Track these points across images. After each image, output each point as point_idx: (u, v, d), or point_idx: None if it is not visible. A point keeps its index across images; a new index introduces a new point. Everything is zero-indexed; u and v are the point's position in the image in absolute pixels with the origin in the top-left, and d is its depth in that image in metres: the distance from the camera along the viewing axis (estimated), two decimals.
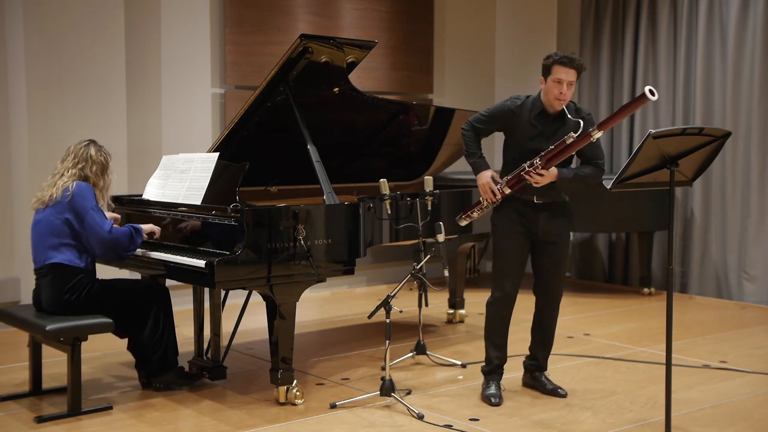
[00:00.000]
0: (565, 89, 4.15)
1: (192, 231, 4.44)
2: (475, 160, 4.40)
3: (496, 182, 4.32)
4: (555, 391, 4.50)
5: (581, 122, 4.13)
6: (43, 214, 4.32)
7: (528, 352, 4.61)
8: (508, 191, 4.29)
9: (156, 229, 4.50)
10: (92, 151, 4.39)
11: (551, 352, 4.59)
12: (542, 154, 4.18)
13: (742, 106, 6.95)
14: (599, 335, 5.86)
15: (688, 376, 4.87)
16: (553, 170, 4.20)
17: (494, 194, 4.30)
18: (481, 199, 4.40)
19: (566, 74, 4.13)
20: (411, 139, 5.73)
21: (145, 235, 4.46)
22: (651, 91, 3.78)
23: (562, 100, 4.18)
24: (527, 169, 4.20)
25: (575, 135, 4.11)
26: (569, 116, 4.20)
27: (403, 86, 7.83)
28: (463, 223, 4.55)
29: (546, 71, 4.20)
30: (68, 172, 4.33)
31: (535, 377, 4.58)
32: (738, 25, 6.93)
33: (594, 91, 8.02)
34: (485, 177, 4.33)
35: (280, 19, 7.06)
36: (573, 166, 4.39)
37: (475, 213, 4.47)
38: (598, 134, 4.08)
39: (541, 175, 4.18)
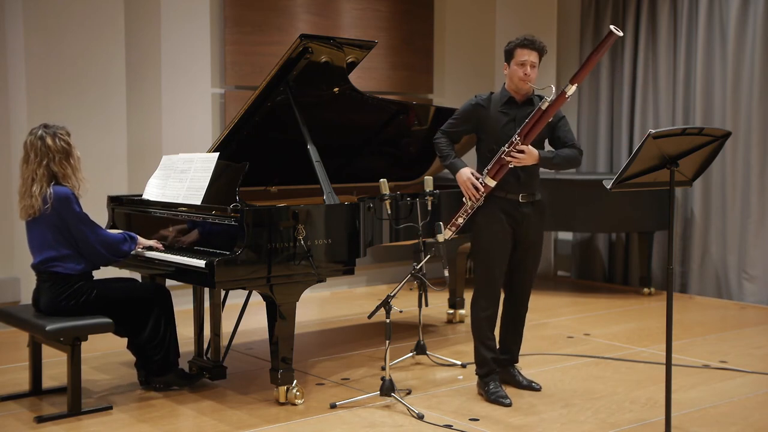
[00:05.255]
0: (528, 70, 4.25)
1: (192, 231, 4.44)
2: (451, 161, 4.43)
3: (476, 177, 4.32)
4: (530, 386, 4.52)
5: (552, 86, 4.25)
6: (34, 224, 4.24)
7: (497, 346, 4.58)
8: (491, 183, 4.27)
9: (152, 244, 4.48)
10: (48, 141, 4.19)
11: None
12: (519, 130, 4.21)
13: (742, 106, 6.95)
14: (599, 335, 5.86)
15: (688, 376, 4.87)
16: (534, 151, 4.21)
17: (477, 189, 4.29)
18: (464, 200, 4.36)
19: (529, 55, 4.25)
20: (411, 139, 5.73)
21: (143, 248, 4.43)
22: (616, 28, 3.98)
23: (528, 81, 4.25)
24: (506, 149, 4.21)
25: (549, 99, 4.18)
26: (535, 98, 4.31)
27: (403, 86, 7.83)
28: (447, 236, 4.41)
29: (509, 56, 4.31)
30: (36, 175, 4.18)
31: (509, 372, 4.58)
32: (738, 25, 6.92)
33: (594, 92, 8.01)
34: (465, 174, 4.34)
35: (280, 19, 7.06)
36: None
37: (460, 219, 4.39)
38: (572, 89, 4.15)
39: (522, 151, 4.19)
